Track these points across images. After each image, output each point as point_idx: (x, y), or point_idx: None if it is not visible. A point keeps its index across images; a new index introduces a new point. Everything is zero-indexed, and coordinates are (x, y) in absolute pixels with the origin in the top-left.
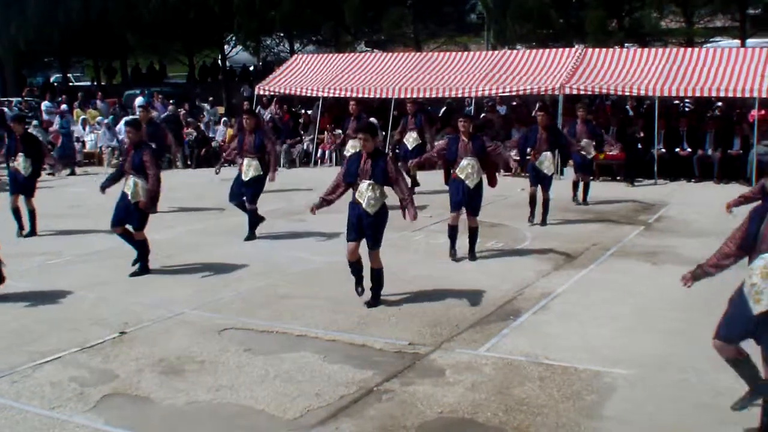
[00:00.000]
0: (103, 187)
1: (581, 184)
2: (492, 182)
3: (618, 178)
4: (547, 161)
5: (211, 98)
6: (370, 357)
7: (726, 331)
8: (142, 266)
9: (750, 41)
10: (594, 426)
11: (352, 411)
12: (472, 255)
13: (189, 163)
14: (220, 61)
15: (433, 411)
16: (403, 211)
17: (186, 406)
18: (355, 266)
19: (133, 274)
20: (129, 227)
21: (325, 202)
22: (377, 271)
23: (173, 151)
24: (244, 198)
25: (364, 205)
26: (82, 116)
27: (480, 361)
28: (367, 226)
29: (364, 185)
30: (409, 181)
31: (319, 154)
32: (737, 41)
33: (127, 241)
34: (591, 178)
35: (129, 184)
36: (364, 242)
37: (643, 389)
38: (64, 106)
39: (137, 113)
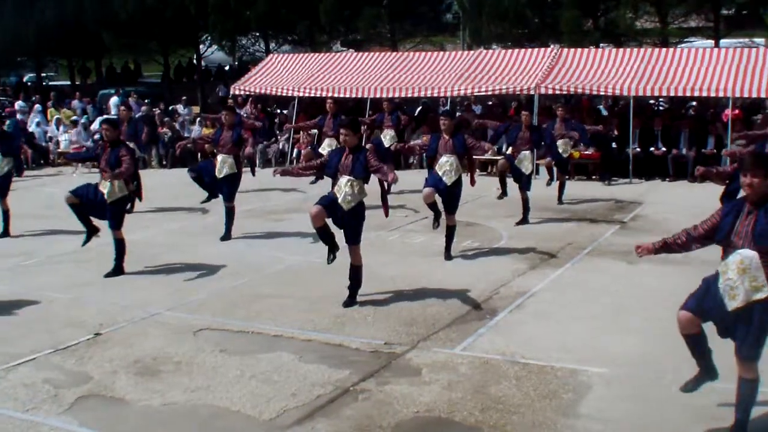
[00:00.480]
0: (71, 159)
1: (557, 183)
2: (472, 181)
3: (593, 177)
4: (526, 160)
5: (184, 98)
6: (346, 356)
7: (695, 303)
8: (117, 267)
9: (724, 41)
10: (570, 424)
11: (328, 411)
12: (447, 254)
13: (164, 162)
14: (195, 61)
15: (409, 410)
16: (382, 186)
17: (161, 408)
18: (321, 230)
19: (108, 275)
20: (95, 220)
21: (294, 171)
22: (356, 268)
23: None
24: (220, 194)
25: (339, 200)
26: (56, 116)
27: (456, 360)
28: (344, 220)
29: (344, 180)
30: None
31: (294, 154)
32: (711, 41)
33: (77, 213)
34: (567, 177)
35: (105, 183)
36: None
37: (619, 387)
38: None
39: (113, 112)
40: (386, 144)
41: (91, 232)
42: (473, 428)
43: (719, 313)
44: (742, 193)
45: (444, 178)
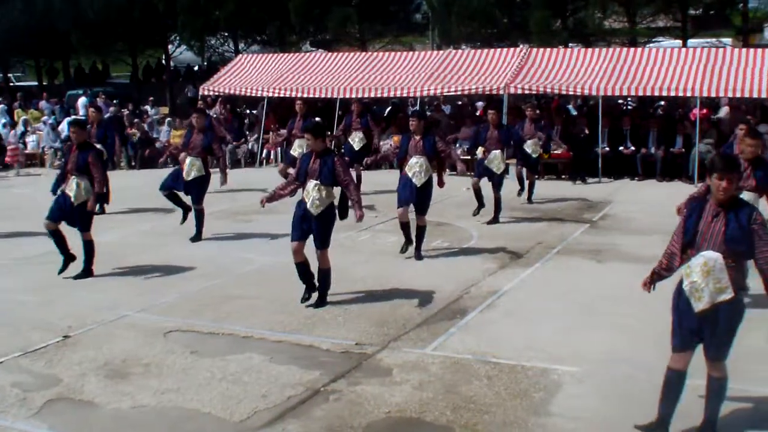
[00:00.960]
0: (54, 192)
1: (526, 183)
2: (440, 182)
3: (563, 176)
4: (496, 160)
5: (151, 98)
6: (316, 357)
7: (679, 340)
8: (86, 269)
9: (691, 41)
10: (542, 423)
11: (299, 412)
12: (417, 254)
13: (133, 164)
14: (164, 61)
15: (380, 411)
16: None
17: (131, 410)
18: (301, 268)
19: (77, 277)
20: (62, 227)
21: (276, 196)
22: (324, 271)
23: (116, 152)
24: (189, 196)
25: (308, 205)
26: (23, 117)
27: (427, 360)
28: (313, 226)
29: (311, 185)
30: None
31: (264, 155)
32: (679, 41)
33: (56, 241)
34: (537, 177)
35: (72, 186)
36: (311, 243)
37: (589, 385)
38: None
39: (81, 113)
40: (356, 147)
41: (69, 259)
42: (444, 428)
43: (695, 325)
44: None
45: (413, 180)
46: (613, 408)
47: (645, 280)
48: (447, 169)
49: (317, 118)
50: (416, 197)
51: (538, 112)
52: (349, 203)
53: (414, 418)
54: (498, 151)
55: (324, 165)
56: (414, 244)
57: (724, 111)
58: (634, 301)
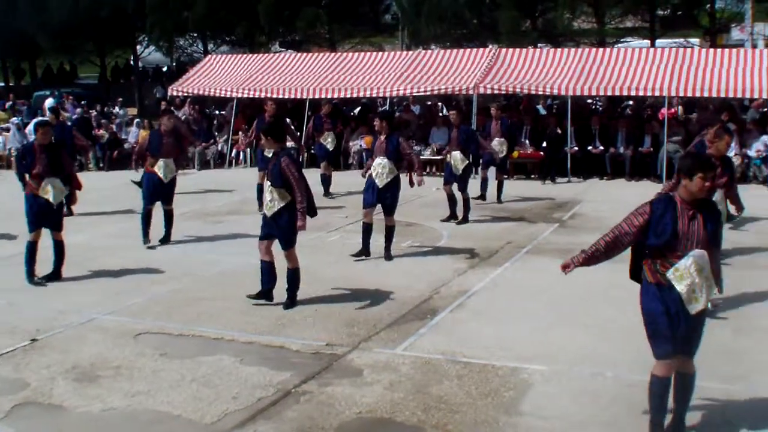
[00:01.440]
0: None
1: (495, 183)
2: (410, 182)
3: (532, 176)
4: (455, 161)
5: (120, 99)
6: (287, 358)
7: (671, 346)
8: (55, 271)
9: (659, 41)
10: (512, 422)
11: (270, 413)
12: (387, 254)
13: (101, 165)
14: (132, 62)
15: (351, 411)
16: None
17: (101, 414)
18: (264, 265)
19: (48, 279)
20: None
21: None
22: (291, 270)
23: (85, 154)
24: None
25: (265, 208)
26: None
27: (398, 360)
28: (275, 228)
29: (266, 185)
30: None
31: (233, 155)
32: (647, 41)
33: (33, 253)
34: (505, 176)
35: (47, 189)
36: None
37: (559, 384)
38: None
39: (48, 114)
40: (330, 147)
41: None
42: (415, 428)
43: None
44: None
45: (376, 181)
46: (582, 406)
47: (569, 263)
48: (418, 169)
49: (287, 119)
50: (379, 198)
51: (500, 112)
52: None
53: (385, 418)
54: (457, 153)
55: (274, 167)
56: (384, 245)
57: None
58: (603, 300)
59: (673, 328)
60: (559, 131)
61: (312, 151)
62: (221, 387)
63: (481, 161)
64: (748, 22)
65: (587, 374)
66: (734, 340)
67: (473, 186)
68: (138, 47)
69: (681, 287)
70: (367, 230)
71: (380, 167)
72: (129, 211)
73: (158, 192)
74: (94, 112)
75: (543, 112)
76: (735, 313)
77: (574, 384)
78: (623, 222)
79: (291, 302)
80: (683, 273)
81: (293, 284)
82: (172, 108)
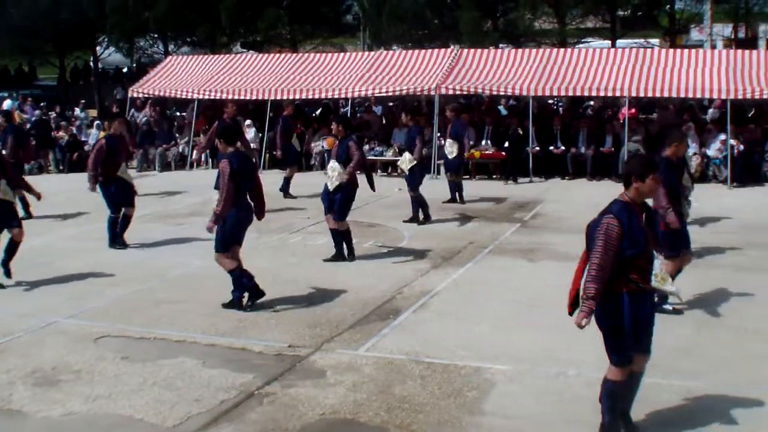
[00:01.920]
0: None
1: (455, 185)
2: (371, 187)
3: (494, 176)
4: (403, 162)
5: (83, 101)
6: (249, 360)
7: (629, 353)
8: (6, 271)
9: (620, 42)
10: (475, 421)
11: (233, 416)
12: (344, 257)
13: (61, 167)
14: (92, 63)
15: (314, 413)
16: None
17: (61, 418)
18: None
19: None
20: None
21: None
22: (229, 273)
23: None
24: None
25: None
26: None
27: (360, 361)
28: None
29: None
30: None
31: (194, 157)
32: (608, 42)
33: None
34: (466, 177)
35: (2, 189)
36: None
37: (521, 384)
38: None
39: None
40: (299, 148)
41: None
42: (379, 428)
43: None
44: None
45: (327, 183)
46: (545, 406)
47: (584, 316)
48: (379, 170)
49: (248, 120)
50: (329, 201)
51: (454, 114)
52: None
53: (348, 419)
54: (407, 153)
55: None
56: (335, 248)
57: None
58: (565, 299)
59: (637, 335)
60: (521, 131)
61: (274, 154)
62: (183, 390)
63: (444, 165)
64: (707, 23)
65: (550, 373)
66: (694, 337)
67: (440, 187)
68: (98, 48)
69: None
70: (333, 233)
71: (331, 170)
72: (88, 214)
73: (125, 197)
74: (53, 114)
75: (504, 112)
76: (695, 311)
77: (537, 383)
78: (604, 246)
79: (231, 303)
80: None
81: (233, 285)
82: (117, 110)
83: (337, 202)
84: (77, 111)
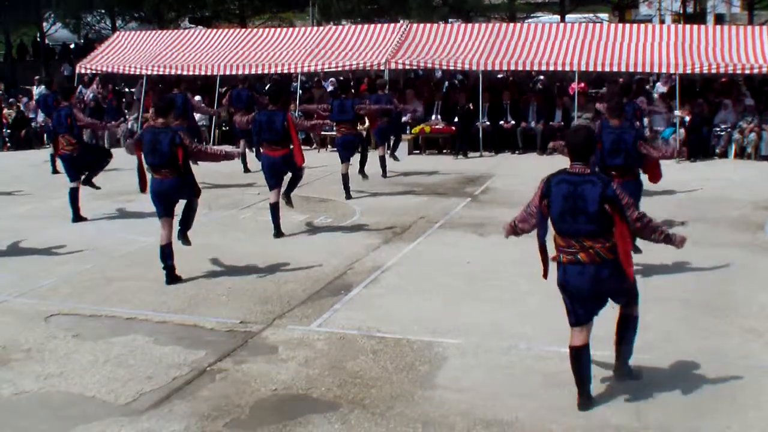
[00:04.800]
0: None
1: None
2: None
3: (444, 151)
4: None
5: (37, 77)
6: (201, 337)
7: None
8: None
9: (569, 17)
10: (428, 395)
11: (185, 392)
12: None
13: (8, 144)
14: (39, 39)
15: (267, 388)
16: None
17: (12, 397)
18: (165, 251)
19: None
20: None
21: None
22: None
23: None
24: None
25: None
26: None
27: (312, 336)
28: None
29: None
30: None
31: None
32: (557, 16)
33: None
34: (416, 151)
35: None
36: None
37: (473, 357)
38: None
39: None
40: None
41: None
42: (331, 404)
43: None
44: None
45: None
46: (496, 378)
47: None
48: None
49: (197, 96)
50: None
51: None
52: None
53: (301, 394)
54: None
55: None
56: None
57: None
58: (516, 273)
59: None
60: (471, 107)
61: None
62: (135, 367)
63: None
64: None
65: (501, 347)
66: (643, 310)
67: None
68: (44, 24)
69: None
70: (272, 211)
71: None
72: (36, 193)
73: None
74: None
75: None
76: (642, 284)
77: (489, 356)
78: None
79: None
80: None
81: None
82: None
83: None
84: (36, 88)
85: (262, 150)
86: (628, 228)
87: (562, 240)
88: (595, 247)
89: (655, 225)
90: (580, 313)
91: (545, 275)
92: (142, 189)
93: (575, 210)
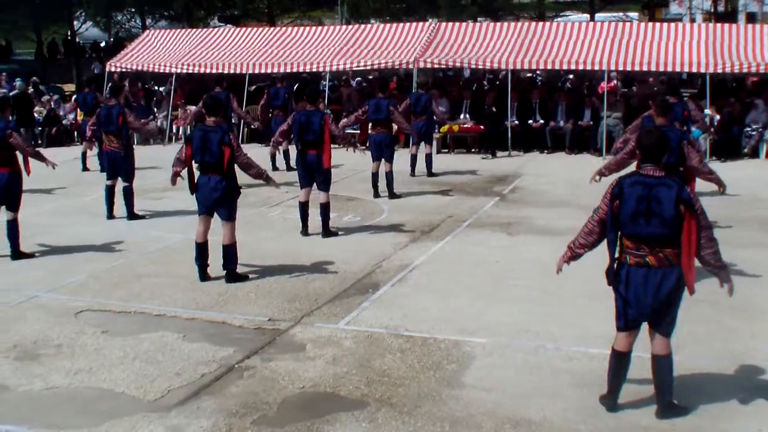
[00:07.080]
0: None
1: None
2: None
3: (473, 150)
4: None
5: (85, 78)
6: (230, 334)
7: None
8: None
9: (599, 15)
10: (455, 394)
11: (213, 389)
12: (324, 232)
13: (39, 142)
14: (69, 37)
15: (294, 386)
16: None
17: (43, 392)
18: (200, 248)
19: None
20: None
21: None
22: (225, 247)
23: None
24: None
25: None
26: None
27: (340, 334)
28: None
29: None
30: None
31: (173, 131)
32: (587, 15)
33: None
34: (445, 150)
35: None
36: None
37: (500, 357)
38: None
39: None
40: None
41: None
42: (359, 402)
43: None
44: None
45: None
46: (523, 378)
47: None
48: (348, 146)
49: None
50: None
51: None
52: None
53: (328, 392)
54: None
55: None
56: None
57: None
58: (544, 272)
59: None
60: (495, 108)
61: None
62: (164, 363)
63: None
64: None
65: (529, 347)
66: None
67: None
68: (75, 22)
69: None
70: (301, 210)
71: None
72: (66, 189)
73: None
74: (31, 89)
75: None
76: None
77: (516, 356)
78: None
79: (229, 277)
80: None
81: (227, 260)
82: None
83: (321, 175)
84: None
85: (297, 149)
86: (697, 232)
87: (631, 242)
88: (665, 251)
89: (717, 249)
90: (631, 318)
91: (608, 279)
92: (192, 190)
93: (649, 212)
